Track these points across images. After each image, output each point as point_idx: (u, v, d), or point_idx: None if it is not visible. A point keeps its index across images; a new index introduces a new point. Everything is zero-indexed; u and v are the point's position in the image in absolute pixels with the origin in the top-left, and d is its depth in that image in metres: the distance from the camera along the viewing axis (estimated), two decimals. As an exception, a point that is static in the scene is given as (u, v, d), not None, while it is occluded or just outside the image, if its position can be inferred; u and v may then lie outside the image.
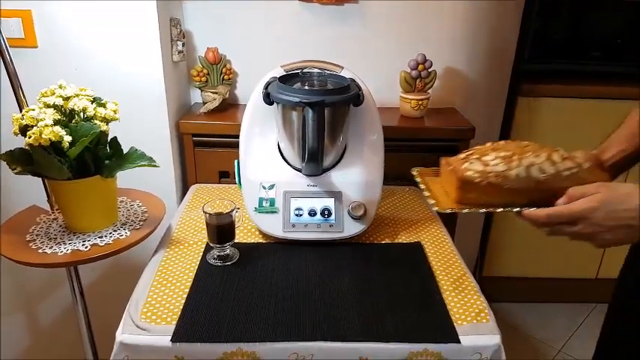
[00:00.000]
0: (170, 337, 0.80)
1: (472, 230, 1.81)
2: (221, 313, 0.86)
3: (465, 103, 1.54)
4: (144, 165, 0.98)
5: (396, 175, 1.17)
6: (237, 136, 1.14)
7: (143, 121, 1.26)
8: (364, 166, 1.11)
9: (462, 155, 0.78)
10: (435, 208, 0.78)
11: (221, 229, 0.99)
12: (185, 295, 0.90)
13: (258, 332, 0.82)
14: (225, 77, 1.39)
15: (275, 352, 0.80)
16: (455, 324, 0.85)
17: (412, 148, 1.37)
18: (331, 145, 1.09)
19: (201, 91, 1.38)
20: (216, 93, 1.36)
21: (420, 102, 1.37)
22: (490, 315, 0.87)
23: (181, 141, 1.35)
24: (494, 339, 0.82)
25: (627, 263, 0.91)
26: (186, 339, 0.80)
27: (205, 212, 0.98)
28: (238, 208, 1.02)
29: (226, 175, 1.37)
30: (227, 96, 1.38)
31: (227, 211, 0.99)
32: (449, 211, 0.77)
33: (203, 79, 1.37)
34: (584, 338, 1.84)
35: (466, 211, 0.76)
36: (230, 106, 1.44)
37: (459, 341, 0.81)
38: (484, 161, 0.74)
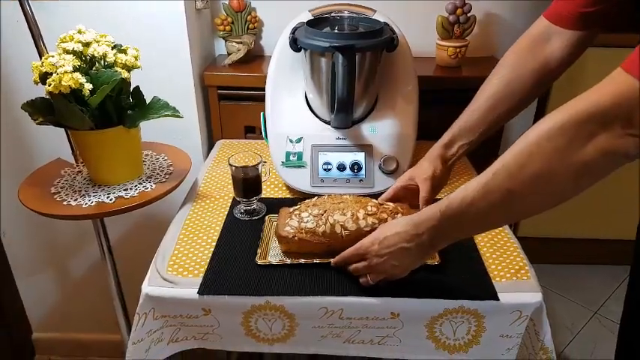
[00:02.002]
0: (197, 290, 0.79)
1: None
2: (249, 267, 0.83)
3: (505, 52, 1.43)
4: (167, 115, 0.95)
5: (430, 129, 1.10)
6: (264, 89, 1.08)
7: (166, 74, 1.22)
8: (397, 117, 1.05)
9: (291, 209, 0.87)
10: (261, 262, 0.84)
11: (247, 182, 0.96)
12: (212, 249, 0.88)
13: (286, 286, 0.79)
14: (251, 26, 1.32)
15: (304, 306, 0.78)
16: (493, 281, 0.80)
17: (449, 99, 1.28)
18: (362, 95, 1.02)
19: (226, 41, 1.32)
20: (240, 43, 1.29)
21: (458, 50, 1.27)
22: (531, 272, 0.82)
23: (206, 94, 1.31)
24: (535, 297, 0.78)
25: None
26: (214, 291, 0.79)
27: (231, 165, 0.94)
28: (265, 162, 0.98)
29: (252, 131, 1.33)
30: (252, 46, 1.31)
31: (253, 164, 0.95)
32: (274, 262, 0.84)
33: (227, 27, 1.31)
34: (621, 301, 1.77)
35: (289, 262, 0.84)
36: (256, 58, 1.37)
37: (497, 298, 0.76)
38: (301, 217, 0.84)
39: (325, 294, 0.78)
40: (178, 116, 0.96)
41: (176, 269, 0.84)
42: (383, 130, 1.04)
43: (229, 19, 1.31)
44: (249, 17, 1.32)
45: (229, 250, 0.88)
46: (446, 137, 0.93)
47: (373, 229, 0.81)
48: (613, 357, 0.96)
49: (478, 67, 1.32)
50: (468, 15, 1.27)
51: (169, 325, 0.82)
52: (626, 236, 1.89)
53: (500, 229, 0.93)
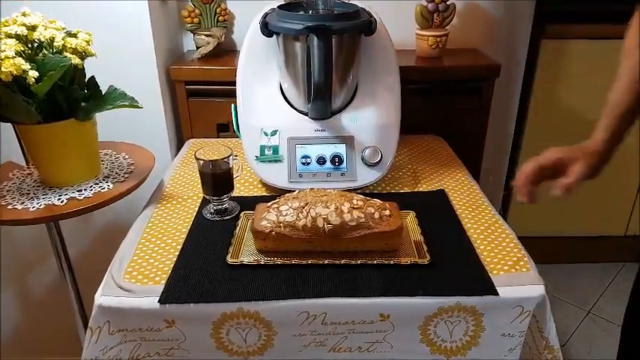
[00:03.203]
0: (158, 298, 0.69)
1: (493, 189, 1.67)
2: (218, 270, 0.74)
3: (485, 44, 1.38)
4: (125, 105, 0.86)
5: (413, 123, 1.03)
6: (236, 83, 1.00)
7: (128, 68, 1.12)
8: (379, 106, 0.98)
9: (269, 203, 0.79)
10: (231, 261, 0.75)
11: (217, 178, 0.87)
12: (177, 253, 0.79)
13: (261, 289, 0.70)
14: (220, 18, 1.25)
15: (282, 311, 0.69)
16: (490, 274, 0.72)
17: (431, 91, 1.22)
18: (340, 83, 0.95)
19: (194, 34, 1.24)
20: (210, 36, 1.22)
21: (439, 39, 1.22)
22: (530, 263, 0.75)
23: (173, 90, 1.22)
24: (537, 290, 0.70)
25: None
26: (177, 299, 0.69)
27: (198, 159, 0.85)
28: (236, 156, 0.90)
29: (225, 129, 1.25)
30: (222, 39, 1.24)
31: (223, 156, 0.86)
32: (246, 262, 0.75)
33: (195, 20, 1.23)
34: (613, 299, 1.73)
35: (264, 262, 0.75)
36: (226, 53, 1.30)
37: (496, 292, 0.69)
38: (280, 211, 0.76)
39: (305, 296, 0.69)
40: (137, 106, 0.87)
41: (135, 276, 0.74)
42: (364, 120, 0.97)
43: (197, 11, 1.23)
44: (218, 9, 1.24)
45: (196, 253, 0.78)
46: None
47: (359, 225, 0.74)
48: (612, 357, 0.90)
49: (460, 58, 1.27)
50: (448, 3, 1.22)
51: (128, 340, 0.72)
52: (614, 232, 1.86)
53: (494, 219, 0.86)
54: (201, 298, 0.69)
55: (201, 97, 1.21)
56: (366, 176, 0.94)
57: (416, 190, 0.97)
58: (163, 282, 0.72)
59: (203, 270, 0.74)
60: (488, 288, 0.69)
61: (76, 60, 0.81)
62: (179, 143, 1.28)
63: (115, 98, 0.86)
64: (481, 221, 0.85)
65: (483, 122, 1.25)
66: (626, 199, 1.76)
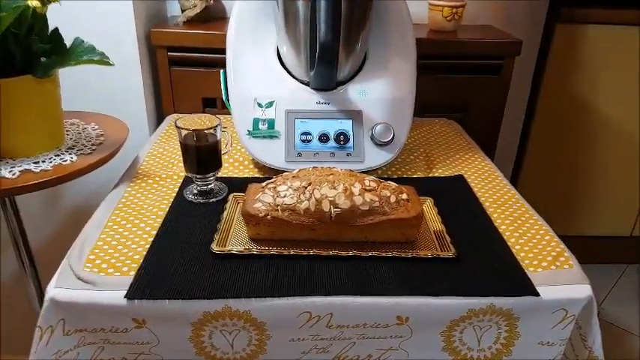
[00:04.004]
0: (125, 292, 0.56)
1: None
2: (201, 259, 0.61)
3: (499, 24, 1.28)
4: (93, 61, 0.72)
5: (423, 103, 0.91)
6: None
7: (102, 30, 0.98)
8: (391, 77, 0.85)
9: (264, 183, 0.67)
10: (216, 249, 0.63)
11: (202, 152, 0.74)
12: (151, 239, 0.65)
13: (253, 284, 0.57)
14: (209, -20, 1.11)
15: (278, 310, 0.56)
16: (526, 271, 0.61)
17: (446, 68, 1.10)
18: (347, 50, 0.83)
19: (179, -3, 1.11)
20: (197, -2, 1.08)
21: (455, 10, 1.10)
22: (573, 259, 0.64)
23: (154, 58, 1.08)
24: (583, 290, 0.59)
25: None
26: (149, 294, 0.56)
27: (179, 128, 0.72)
28: (225, 127, 0.77)
29: (212, 104, 1.11)
30: (211, 2, 1.10)
31: (210, 126, 0.73)
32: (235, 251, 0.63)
33: (180, -20, 1.10)
34: (618, 302, 1.64)
35: (256, 251, 0.63)
36: (215, 19, 1.16)
37: (536, 293, 0.57)
38: (277, 192, 0.64)
39: (308, 294, 0.56)
40: (108, 63, 0.73)
41: (98, 265, 0.60)
42: (374, 93, 0.84)
43: (183, -30, 1.09)
44: (207, -31, 1.11)
45: (175, 240, 0.65)
46: None
47: (372, 210, 0.61)
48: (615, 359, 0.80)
49: (476, 33, 1.15)
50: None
51: (87, 342, 0.59)
52: (620, 232, 1.78)
53: (524, 208, 0.75)
54: (178, 293, 0.56)
55: (185, 67, 1.07)
56: (375, 157, 0.82)
57: (430, 175, 0.85)
58: (133, 273, 0.59)
59: (182, 259, 0.61)
60: (527, 287, 0.58)
61: (34, 2, 0.67)
62: (159, 120, 1.14)
63: (81, 52, 0.72)
64: (509, 211, 0.74)
65: (501, 104, 1.14)
66: (632, 198, 1.68)
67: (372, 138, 0.82)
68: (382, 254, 0.62)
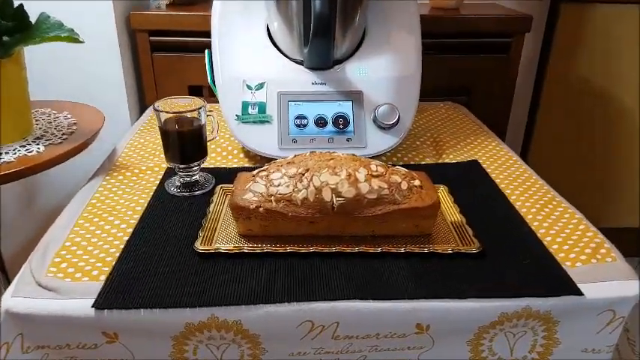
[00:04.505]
0: (93, 301, 0.47)
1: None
2: (183, 261, 0.52)
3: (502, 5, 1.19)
4: (60, 38, 0.63)
5: (425, 87, 0.82)
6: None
7: (78, 14, 0.89)
8: (394, 53, 0.77)
9: (255, 172, 0.58)
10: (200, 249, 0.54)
11: (185, 138, 0.65)
12: (126, 238, 0.57)
13: (244, 290, 0.49)
14: (193, -43, 1.02)
15: (274, 320, 0.47)
16: (563, 266, 0.52)
17: (449, 47, 1.02)
18: (345, 24, 0.74)
19: (160, -23, 1.01)
20: (180, -23, 0.99)
21: (458, -14, 1.02)
22: (615, 251, 0.55)
23: (134, 43, 0.99)
24: (631, 287, 0.50)
25: None
26: (122, 303, 0.47)
27: (158, 111, 0.63)
28: (211, 111, 0.68)
29: (199, 92, 1.02)
30: (195, -19, 1.01)
31: (193, 108, 0.64)
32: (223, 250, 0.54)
33: (162, -43, 1.01)
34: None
35: (247, 250, 0.54)
36: (200, 1, 1.07)
37: (579, 292, 0.49)
38: (270, 180, 0.55)
39: (308, 298, 0.48)
40: (77, 41, 0.64)
41: (63, 269, 0.52)
42: (376, 71, 0.76)
43: (165, -53, 1.00)
44: (191, -54, 1.02)
45: (153, 239, 0.56)
46: None
47: (380, 198, 0.53)
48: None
49: (480, 10, 1.07)
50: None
51: (50, 361, 0.50)
52: (629, 224, 1.70)
53: (550, 195, 0.66)
54: (156, 301, 0.47)
55: (168, 52, 0.98)
56: (379, 142, 0.74)
57: (440, 161, 0.77)
58: (104, 277, 0.50)
59: (162, 261, 0.52)
60: (567, 286, 0.49)
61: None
62: (142, 110, 1.05)
63: (46, 29, 0.63)
64: (533, 198, 0.65)
65: (510, 87, 1.05)
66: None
67: (375, 121, 0.74)
68: (394, 250, 0.53)
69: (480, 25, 1.00)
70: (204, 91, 1.02)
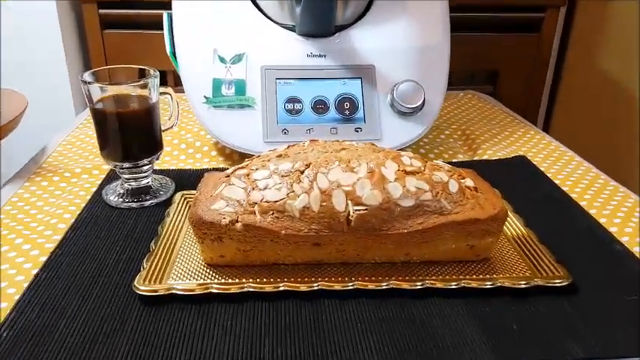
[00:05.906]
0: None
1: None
2: (116, 312, 0.33)
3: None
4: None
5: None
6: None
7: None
8: (415, 16, 0.59)
9: (230, 170, 0.40)
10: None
11: (129, 125, 0.46)
12: (35, 271, 0.37)
13: (210, 354, 0.30)
14: None
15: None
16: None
17: (470, 26, 0.85)
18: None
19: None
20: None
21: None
22: None
23: (80, 17, 0.80)
24: None
25: None
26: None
27: (87, 83, 0.44)
28: (167, 87, 0.49)
29: (162, 80, 0.83)
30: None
31: (141, 83, 0.45)
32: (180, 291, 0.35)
33: None
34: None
35: (216, 289, 0.35)
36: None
37: None
38: (252, 181, 0.37)
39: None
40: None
41: None
42: (391, 40, 0.58)
43: None
44: None
45: (75, 271, 0.37)
46: None
47: (421, 205, 0.35)
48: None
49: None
50: None
51: None
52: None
53: (633, 200, 0.49)
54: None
55: (122, 29, 0.79)
56: (398, 133, 0.56)
57: (477, 158, 0.59)
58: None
59: (83, 309, 0.33)
60: None
61: None
62: (92, 102, 0.85)
63: None
64: (611, 204, 0.48)
65: (542, 67, 0.89)
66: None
67: (393, 104, 0.56)
68: (442, 285, 0.35)
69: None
70: (171, 76, 0.83)
